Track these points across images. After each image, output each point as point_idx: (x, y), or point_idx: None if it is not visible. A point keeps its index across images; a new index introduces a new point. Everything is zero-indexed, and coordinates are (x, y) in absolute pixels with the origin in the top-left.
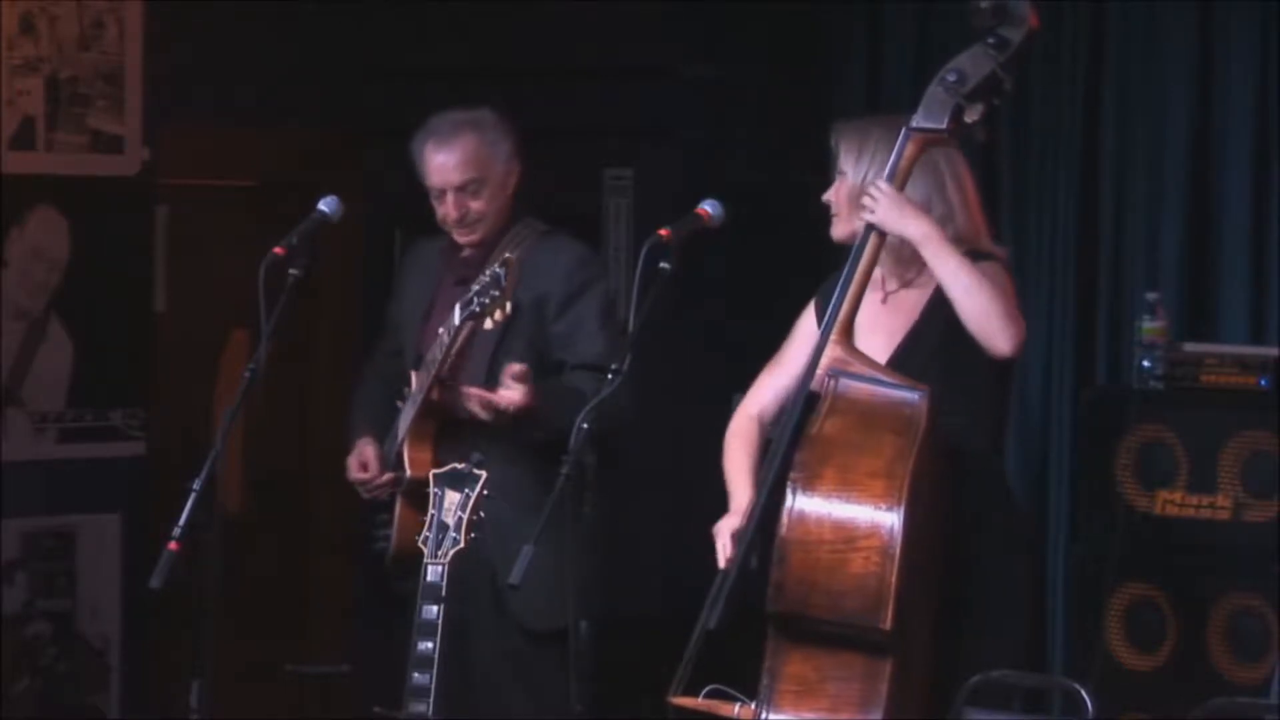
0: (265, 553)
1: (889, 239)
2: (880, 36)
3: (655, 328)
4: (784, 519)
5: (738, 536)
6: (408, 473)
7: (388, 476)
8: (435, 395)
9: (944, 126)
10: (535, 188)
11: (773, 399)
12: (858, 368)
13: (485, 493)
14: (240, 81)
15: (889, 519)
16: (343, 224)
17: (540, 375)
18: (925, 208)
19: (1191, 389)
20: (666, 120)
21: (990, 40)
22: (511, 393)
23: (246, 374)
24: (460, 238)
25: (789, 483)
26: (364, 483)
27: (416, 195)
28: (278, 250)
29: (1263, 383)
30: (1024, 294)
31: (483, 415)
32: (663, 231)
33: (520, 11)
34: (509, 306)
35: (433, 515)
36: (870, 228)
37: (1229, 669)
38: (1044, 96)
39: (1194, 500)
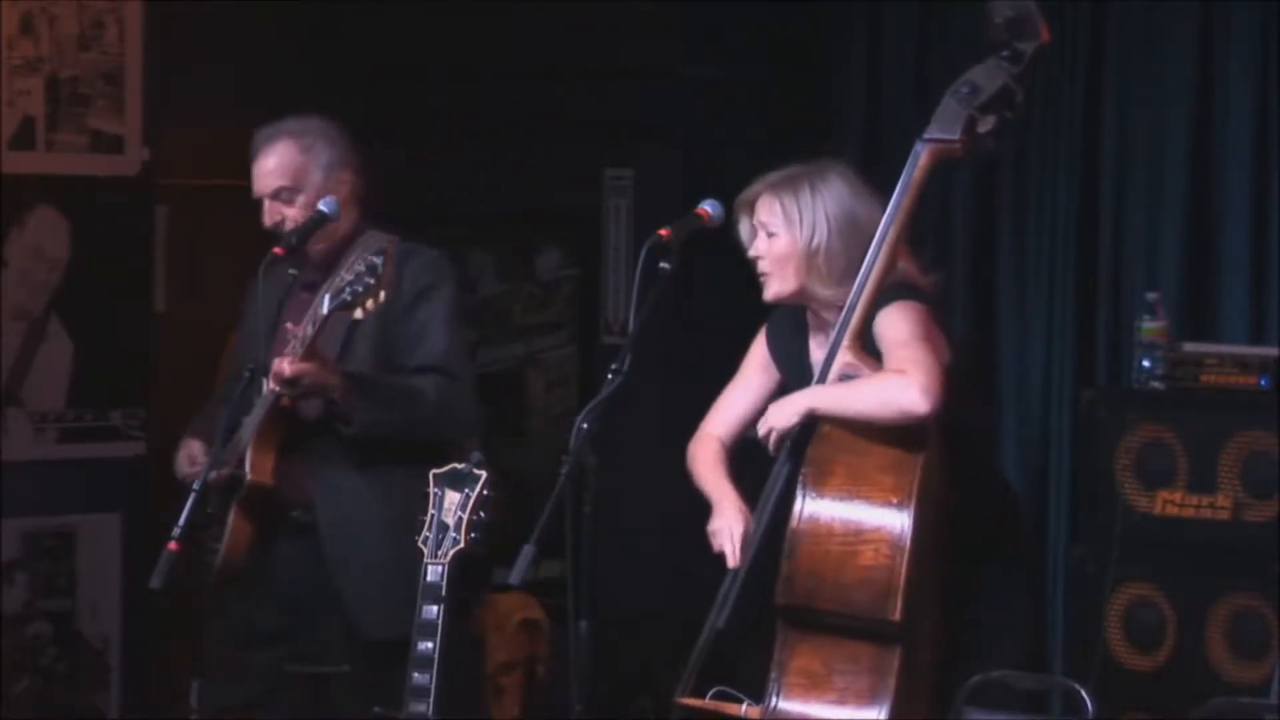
0: None
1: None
2: (880, 36)
3: (655, 327)
4: (794, 513)
5: (745, 542)
6: (248, 475)
7: (224, 470)
8: (285, 401)
9: (956, 137)
10: (535, 187)
11: (733, 420)
12: (867, 371)
13: (486, 493)
14: (240, 81)
15: (899, 513)
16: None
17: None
18: (840, 254)
19: (1191, 389)
20: (666, 120)
21: (1004, 54)
22: (279, 363)
23: (246, 374)
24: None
25: (799, 477)
26: (192, 476)
27: (416, 194)
28: (278, 250)
29: (1263, 383)
30: (1024, 294)
31: (273, 386)
32: (663, 231)
33: (520, 11)
34: (382, 296)
35: (433, 515)
36: (884, 237)
37: (1229, 669)
38: (1044, 96)
39: (1194, 500)
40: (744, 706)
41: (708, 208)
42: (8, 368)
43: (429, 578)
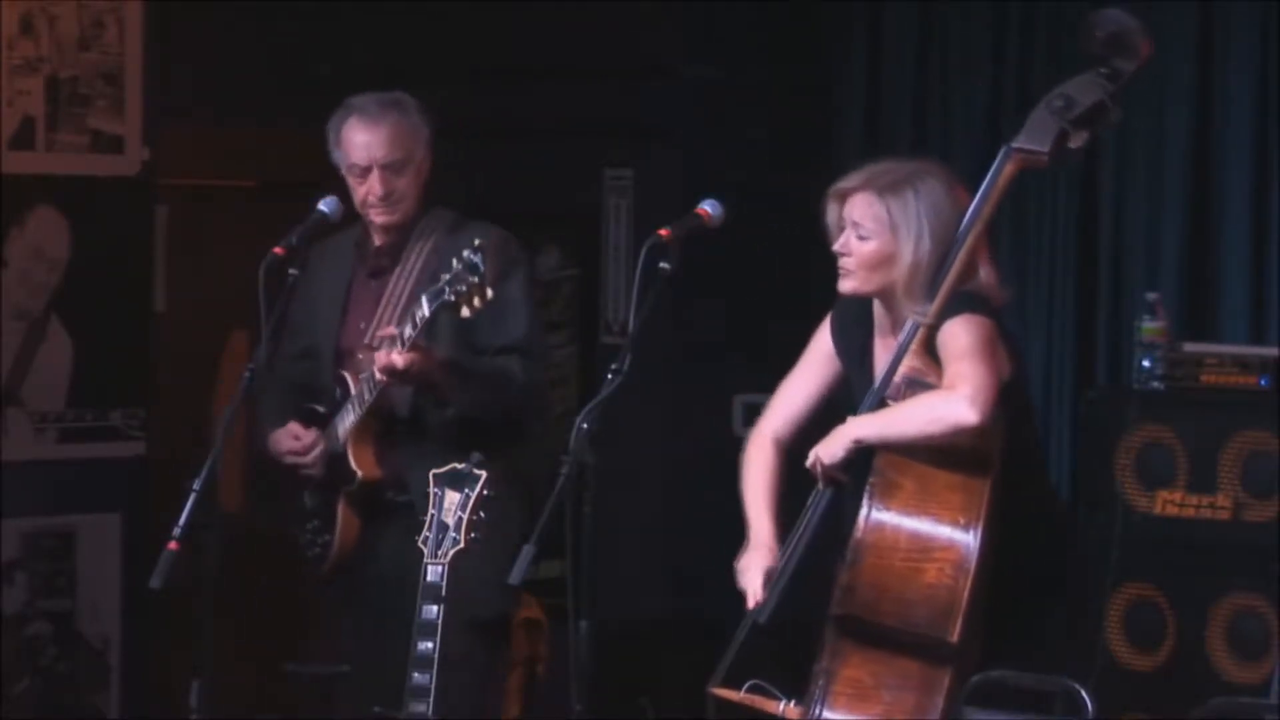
0: (265, 552)
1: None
2: (880, 36)
3: (655, 327)
4: (860, 523)
5: (771, 575)
6: (358, 473)
7: (321, 447)
8: (384, 384)
9: (1045, 150)
10: (535, 187)
11: (792, 415)
12: (935, 379)
13: (486, 492)
14: (240, 81)
15: (965, 533)
16: (343, 224)
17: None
18: (928, 269)
19: (1191, 389)
20: (666, 120)
21: (1102, 70)
22: (386, 355)
23: (246, 374)
24: (379, 218)
25: (866, 487)
26: (299, 451)
27: None
28: (278, 250)
29: (1263, 383)
30: (1024, 294)
31: (381, 377)
32: (663, 231)
33: (520, 11)
34: (489, 294)
35: (433, 515)
36: (961, 245)
37: (1229, 669)
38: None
39: (1194, 500)
40: (782, 705)
41: (708, 208)
42: (8, 368)
43: (429, 578)
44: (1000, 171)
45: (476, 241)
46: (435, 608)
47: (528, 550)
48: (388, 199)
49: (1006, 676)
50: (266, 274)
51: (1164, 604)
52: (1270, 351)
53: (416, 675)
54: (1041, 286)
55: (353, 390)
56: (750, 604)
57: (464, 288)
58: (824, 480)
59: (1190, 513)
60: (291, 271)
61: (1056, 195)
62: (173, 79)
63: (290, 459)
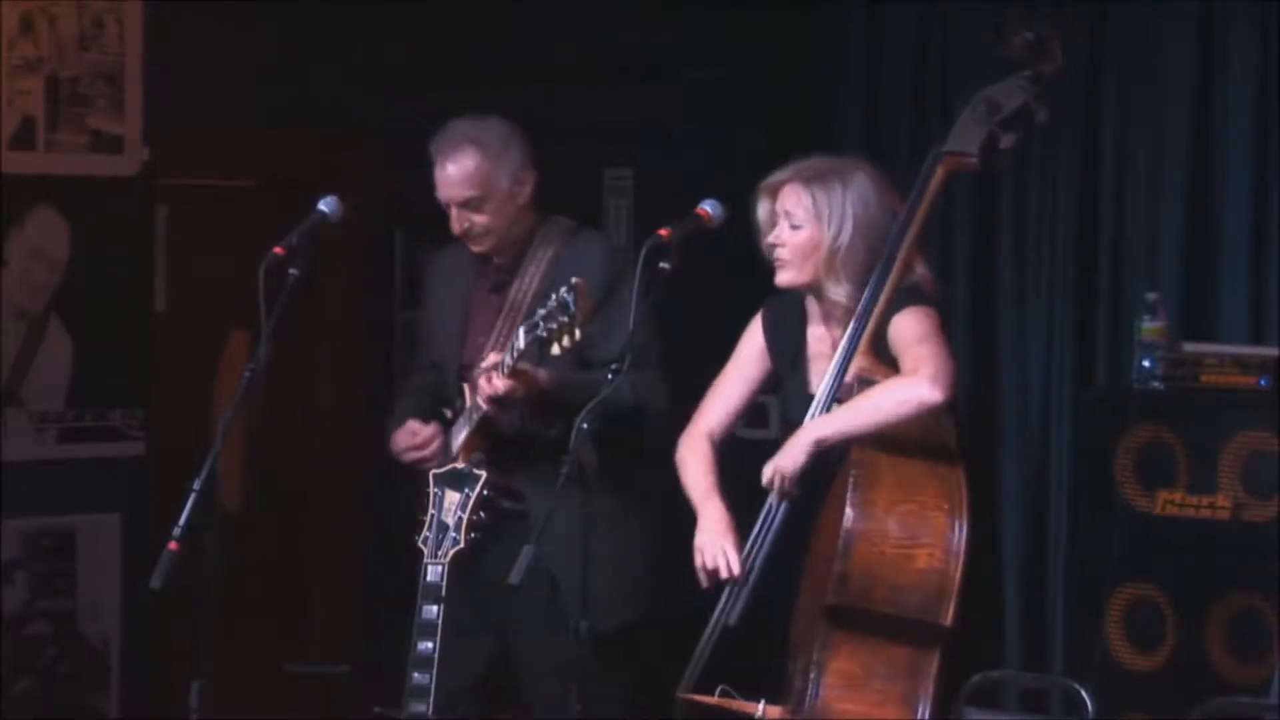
0: (265, 553)
1: (838, 269)
2: (880, 36)
3: (654, 328)
4: (848, 513)
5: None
6: None
7: (439, 440)
8: (492, 413)
9: (974, 152)
10: (536, 187)
11: (725, 414)
12: (882, 377)
13: (485, 492)
14: (240, 81)
15: (951, 518)
16: (343, 224)
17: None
18: (859, 255)
19: (1191, 389)
20: (666, 120)
21: (1025, 74)
22: (488, 382)
23: (246, 374)
24: (471, 248)
25: (850, 477)
26: (417, 447)
27: (416, 194)
28: (278, 250)
29: (1263, 383)
30: (1024, 294)
31: (484, 404)
32: (663, 231)
33: (521, 11)
34: (578, 334)
35: (433, 515)
36: (898, 245)
37: (1229, 669)
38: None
39: (1194, 500)
40: (761, 705)
41: (708, 208)
42: (8, 368)
43: (429, 578)
44: (931, 175)
45: (573, 280)
46: (435, 608)
47: (528, 550)
48: (467, 235)
49: (1007, 676)
50: (266, 274)
51: (1164, 604)
52: (1270, 351)
53: (416, 675)
54: (1041, 287)
55: (468, 403)
56: (724, 574)
57: (555, 326)
58: (781, 494)
59: (1190, 513)
60: (292, 271)
61: (1056, 195)
62: (173, 79)
63: (410, 455)
